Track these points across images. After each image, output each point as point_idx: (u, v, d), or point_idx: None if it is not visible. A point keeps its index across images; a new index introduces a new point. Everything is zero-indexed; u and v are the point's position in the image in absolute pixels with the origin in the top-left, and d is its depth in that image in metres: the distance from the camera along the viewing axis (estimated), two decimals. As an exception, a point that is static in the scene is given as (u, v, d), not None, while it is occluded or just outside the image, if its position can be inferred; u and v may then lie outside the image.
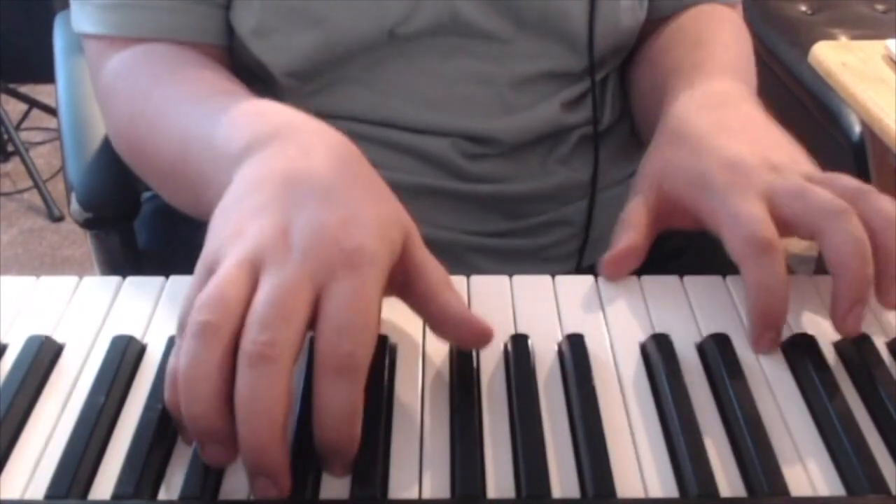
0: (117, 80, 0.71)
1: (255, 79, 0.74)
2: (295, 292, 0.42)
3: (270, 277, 0.42)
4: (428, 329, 0.51)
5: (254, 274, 0.43)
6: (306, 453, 0.43)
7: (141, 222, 0.89)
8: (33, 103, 2.34)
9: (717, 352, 0.50)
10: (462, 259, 0.77)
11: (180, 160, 0.61)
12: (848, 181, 0.54)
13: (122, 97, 0.70)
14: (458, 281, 0.55)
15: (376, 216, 0.46)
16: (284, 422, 0.40)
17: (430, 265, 0.48)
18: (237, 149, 0.53)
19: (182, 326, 0.43)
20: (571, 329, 0.52)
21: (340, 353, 0.41)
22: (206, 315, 0.41)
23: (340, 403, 0.41)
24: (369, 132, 0.73)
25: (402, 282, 0.48)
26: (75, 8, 0.72)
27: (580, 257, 0.81)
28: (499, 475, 0.44)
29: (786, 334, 0.52)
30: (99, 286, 0.55)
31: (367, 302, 0.42)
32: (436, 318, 0.48)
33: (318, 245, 0.43)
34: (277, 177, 0.48)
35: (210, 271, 0.44)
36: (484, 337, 0.48)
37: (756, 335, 0.51)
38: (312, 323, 0.42)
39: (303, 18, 0.69)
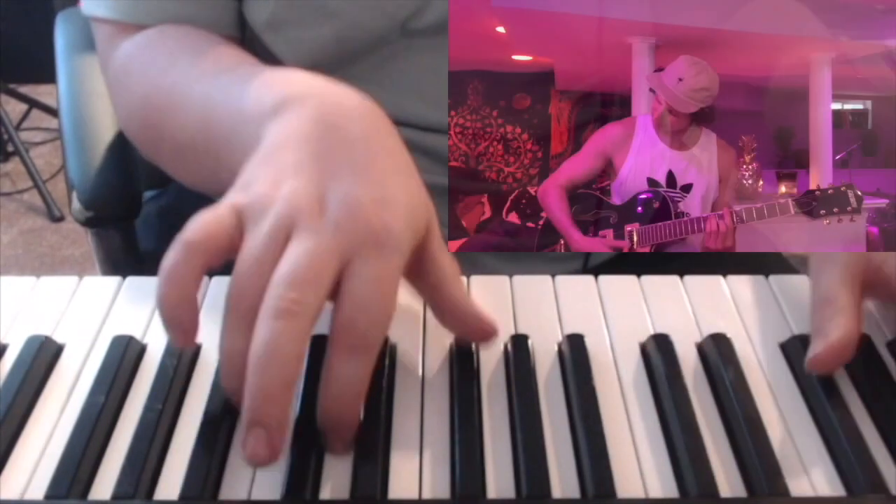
0: (131, 61, 0.70)
1: None
2: (324, 259, 0.43)
3: (302, 241, 0.43)
4: (428, 329, 0.51)
5: (285, 238, 0.44)
6: (306, 454, 0.43)
7: (142, 223, 0.89)
8: (33, 103, 2.34)
9: (717, 352, 0.50)
10: (469, 255, 0.77)
11: (203, 128, 0.61)
12: None
13: (136, 76, 0.70)
14: (458, 281, 0.55)
15: (407, 200, 0.47)
16: (296, 378, 0.41)
17: (444, 256, 0.49)
18: (269, 106, 0.53)
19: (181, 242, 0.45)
20: (571, 329, 0.52)
21: (356, 331, 0.42)
22: (238, 295, 0.43)
23: (348, 379, 0.42)
24: None
25: (415, 268, 0.48)
26: None
27: (587, 257, 0.81)
28: (499, 475, 0.44)
29: (786, 334, 0.52)
30: (99, 286, 0.55)
31: (388, 285, 0.44)
32: (442, 308, 0.49)
33: (351, 220, 0.44)
34: (315, 134, 0.48)
35: (238, 215, 0.45)
36: (486, 333, 0.49)
37: None
38: (331, 295, 0.43)
39: (316, 11, 0.70)
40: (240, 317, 0.42)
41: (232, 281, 0.43)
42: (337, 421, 0.43)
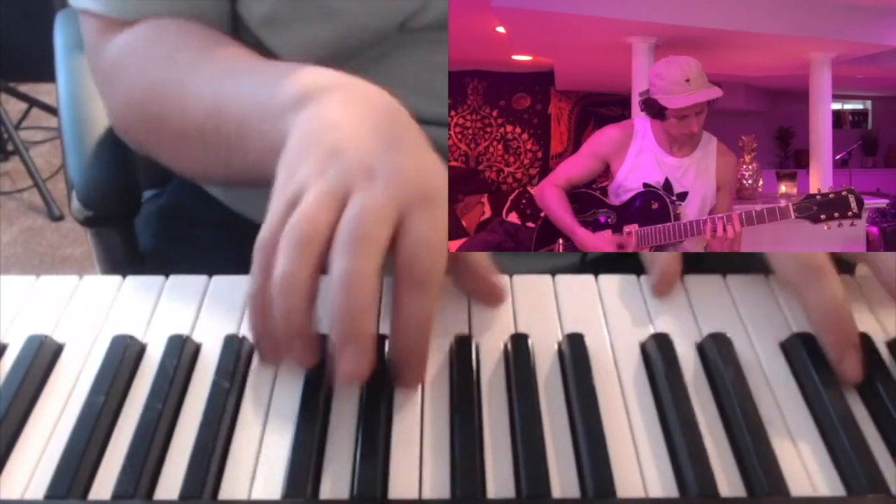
0: (129, 53, 0.70)
1: None
2: (381, 214, 0.46)
3: (359, 200, 0.47)
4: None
5: (341, 202, 0.47)
6: (306, 454, 0.43)
7: (142, 222, 0.89)
8: (33, 102, 2.34)
9: (717, 352, 0.50)
10: None
11: (213, 117, 0.61)
12: None
13: (135, 68, 0.69)
14: (459, 281, 0.55)
15: (441, 169, 0.51)
16: (376, 302, 0.46)
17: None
18: (290, 98, 0.55)
19: (263, 248, 0.47)
20: (571, 329, 0.52)
21: (420, 267, 0.46)
22: (302, 231, 0.46)
23: (418, 313, 0.46)
24: None
25: None
26: None
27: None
28: (499, 475, 0.44)
29: (786, 334, 0.52)
30: (99, 286, 0.55)
31: (442, 230, 0.47)
32: (461, 266, 0.52)
33: (400, 180, 0.48)
34: (347, 121, 0.52)
35: (292, 204, 0.48)
36: (498, 295, 0.53)
37: None
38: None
39: (316, 10, 0.69)
40: (312, 253, 0.45)
41: (292, 231, 0.46)
42: (410, 354, 0.46)
